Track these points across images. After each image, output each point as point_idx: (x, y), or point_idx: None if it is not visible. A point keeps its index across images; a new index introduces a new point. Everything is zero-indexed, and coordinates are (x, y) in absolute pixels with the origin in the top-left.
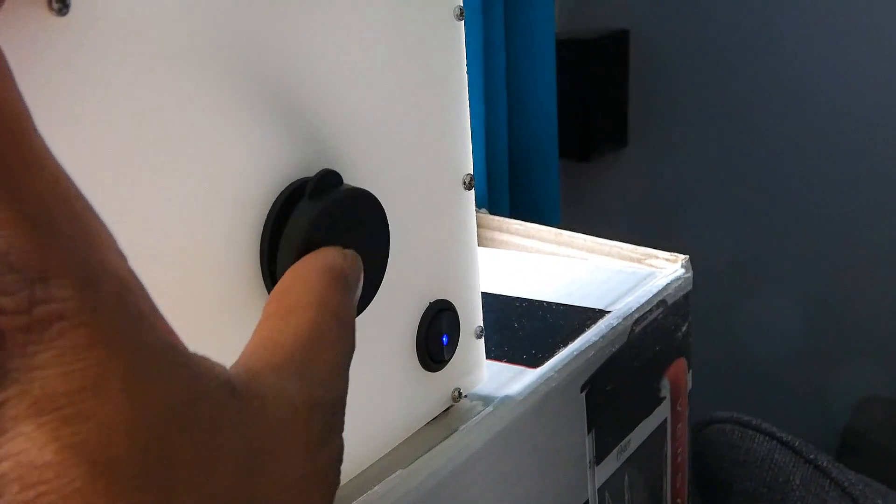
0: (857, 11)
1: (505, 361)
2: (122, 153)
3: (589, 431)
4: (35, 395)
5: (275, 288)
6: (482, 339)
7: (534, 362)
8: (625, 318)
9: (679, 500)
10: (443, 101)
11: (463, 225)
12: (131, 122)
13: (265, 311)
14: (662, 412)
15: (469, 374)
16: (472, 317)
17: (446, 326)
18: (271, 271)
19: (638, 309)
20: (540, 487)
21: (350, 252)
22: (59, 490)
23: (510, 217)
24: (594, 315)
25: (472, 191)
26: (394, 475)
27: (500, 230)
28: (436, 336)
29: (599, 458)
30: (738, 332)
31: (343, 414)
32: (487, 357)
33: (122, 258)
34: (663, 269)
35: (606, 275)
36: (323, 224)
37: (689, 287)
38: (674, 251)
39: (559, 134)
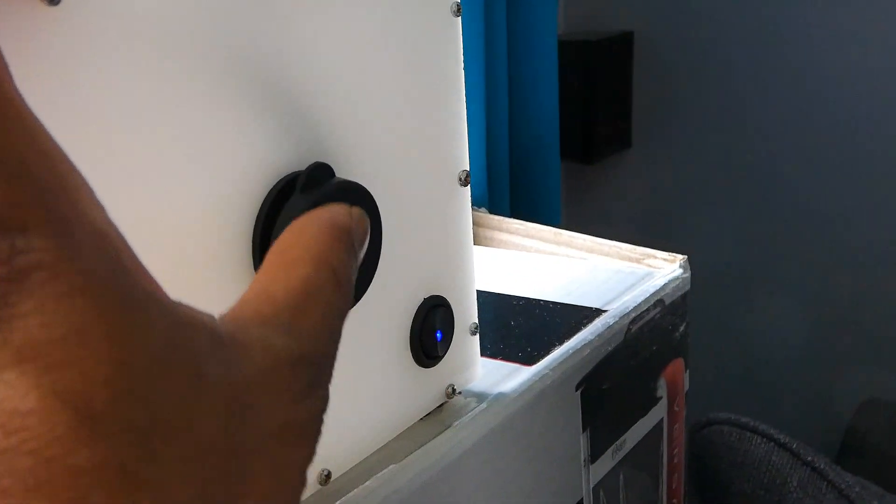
0: (861, 14)
1: (500, 359)
2: (112, 145)
3: (584, 430)
4: (17, 343)
5: (276, 241)
6: (477, 336)
7: (529, 360)
8: (621, 318)
9: (675, 501)
10: (439, 97)
11: (458, 221)
12: (122, 115)
13: (264, 263)
14: (659, 412)
15: (463, 371)
16: (467, 313)
17: (440, 322)
18: None
19: (635, 308)
20: (534, 485)
21: (357, 210)
22: (41, 437)
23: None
24: (591, 314)
25: (468, 187)
26: (387, 470)
27: (500, 229)
28: (430, 332)
29: (594, 456)
30: (740, 334)
31: (331, 369)
32: (483, 354)
33: (102, 210)
34: (661, 269)
35: (604, 274)
36: None
37: (687, 287)
38: (677, 253)
39: (562, 135)
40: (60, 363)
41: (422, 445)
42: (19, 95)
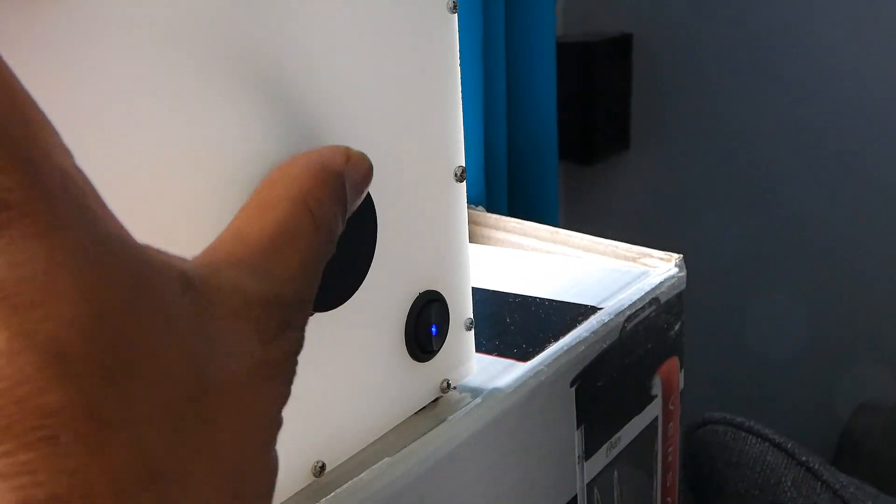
0: (861, 18)
1: (495, 355)
2: (111, 137)
3: (578, 426)
4: None
5: (261, 182)
6: (472, 332)
7: (524, 356)
8: (617, 315)
9: (669, 499)
10: (435, 93)
11: (454, 217)
12: (122, 107)
13: (245, 203)
14: (653, 410)
15: (458, 366)
16: (462, 308)
17: (435, 317)
18: None
19: (630, 306)
20: (527, 480)
21: (357, 153)
22: (10, 377)
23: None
24: (586, 311)
25: (464, 183)
26: (380, 463)
27: (497, 228)
28: (425, 326)
29: (588, 453)
30: (736, 335)
31: (306, 312)
32: (478, 350)
33: (69, 155)
34: (657, 268)
35: (600, 273)
36: None
37: (683, 286)
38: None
39: (561, 137)
40: (29, 304)
41: (416, 439)
42: None
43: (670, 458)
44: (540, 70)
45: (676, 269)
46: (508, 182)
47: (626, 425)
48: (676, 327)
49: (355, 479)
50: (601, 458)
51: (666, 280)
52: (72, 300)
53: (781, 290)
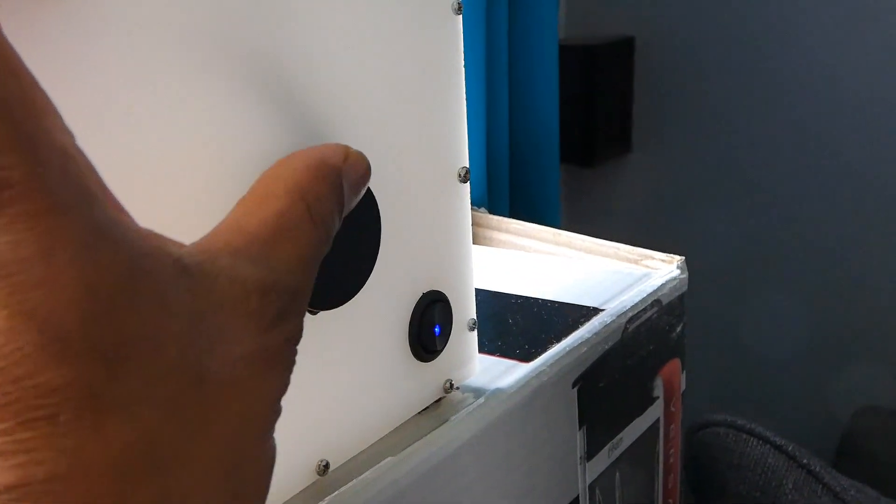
0: (863, 18)
1: (498, 355)
2: (119, 137)
3: (580, 427)
4: None
5: (261, 174)
6: (475, 332)
7: (526, 357)
8: (618, 317)
9: (671, 501)
10: (440, 94)
11: (457, 217)
12: (128, 106)
13: (244, 195)
14: (655, 412)
15: (461, 367)
16: (466, 309)
17: (439, 317)
18: None
19: (632, 308)
20: (530, 480)
21: (356, 152)
22: (9, 356)
23: None
24: (588, 313)
25: (468, 184)
26: (383, 462)
27: (500, 229)
28: (428, 326)
29: (590, 454)
30: (738, 337)
31: (304, 302)
32: (480, 351)
33: (70, 135)
34: (659, 269)
35: (602, 274)
36: None
37: (685, 288)
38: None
39: (563, 140)
40: (29, 283)
41: (419, 439)
42: None
43: (672, 460)
44: (542, 72)
45: (678, 271)
46: (510, 183)
47: (628, 426)
48: (678, 329)
49: (359, 478)
50: (603, 459)
51: (668, 282)
52: (71, 281)
53: (782, 292)
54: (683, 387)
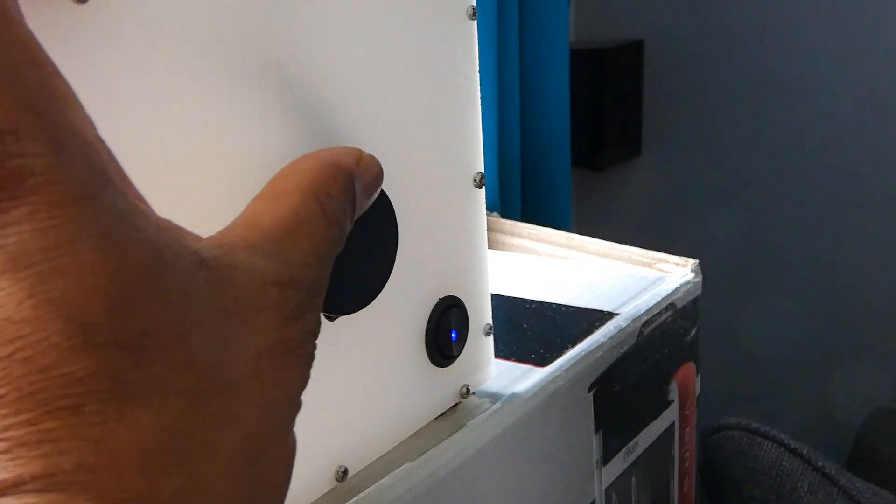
0: (874, 22)
1: (513, 360)
2: (137, 139)
3: (596, 432)
4: (10, 250)
5: (274, 174)
6: (491, 337)
7: (542, 361)
8: (633, 321)
9: None
10: (455, 100)
11: (473, 222)
12: (147, 111)
13: (258, 193)
14: (670, 415)
15: (477, 372)
16: (482, 314)
17: (455, 322)
18: None
19: (647, 312)
20: (546, 485)
21: (368, 156)
22: (35, 345)
23: None
24: (603, 317)
25: (483, 189)
26: (401, 468)
27: (512, 234)
28: (445, 332)
29: (606, 458)
30: (750, 340)
31: (321, 298)
32: (496, 356)
33: (91, 124)
34: (673, 273)
35: (616, 278)
36: None
37: (699, 291)
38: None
39: (573, 143)
40: (54, 272)
41: (436, 444)
42: (15, 6)
43: (687, 464)
44: (553, 77)
45: (692, 275)
46: (522, 188)
47: (644, 430)
48: (692, 332)
49: (377, 484)
50: (619, 464)
51: (682, 285)
52: (97, 270)
53: (793, 295)
54: (698, 390)
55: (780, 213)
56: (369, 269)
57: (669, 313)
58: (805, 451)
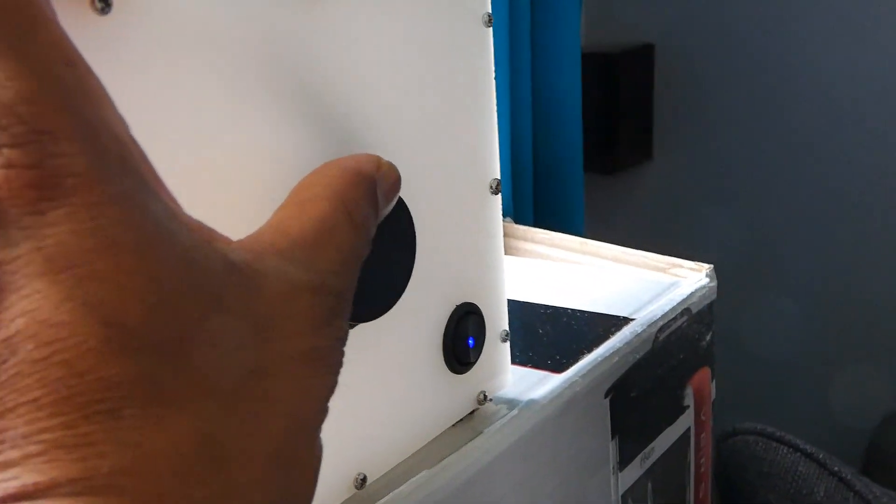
0: (888, 26)
1: (530, 366)
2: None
3: (612, 437)
4: (48, 252)
5: (299, 181)
6: (507, 343)
7: (558, 367)
8: (649, 326)
9: None
10: (471, 107)
11: (489, 229)
12: (170, 120)
13: (284, 200)
14: (686, 421)
15: (494, 378)
16: (498, 320)
17: (472, 329)
18: None
19: (662, 317)
20: (562, 491)
21: (387, 163)
22: (73, 349)
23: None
24: (619, 322)
25: (499, 195)
26: (419, 475)
27: (525, 239)
28: (462, 338)
29: (622, 464)
30: (763, 343)
31: (349, 305)
32: (512, 362)
33: (125, 124)
34: (687, 278)
35: (631, 283)
36: None
37: (714, 296)
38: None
39: (584, 147)
40: (92, 275)
41: (454, 451)
42: (48, 5)
43: (703, 469)
44: (565, 82)
45: (707, 280)
46: (534, 193)
47: (660, 436)
48: (708, 337)
49: (395, 491)
50: (635, 469)
51: (697, 290)
52: (134, 274)
53: (807, 300)
54: (713, 395)
55: (791, 216)
56: (388, 277)
57: (685, 318)
58: (821, 456)
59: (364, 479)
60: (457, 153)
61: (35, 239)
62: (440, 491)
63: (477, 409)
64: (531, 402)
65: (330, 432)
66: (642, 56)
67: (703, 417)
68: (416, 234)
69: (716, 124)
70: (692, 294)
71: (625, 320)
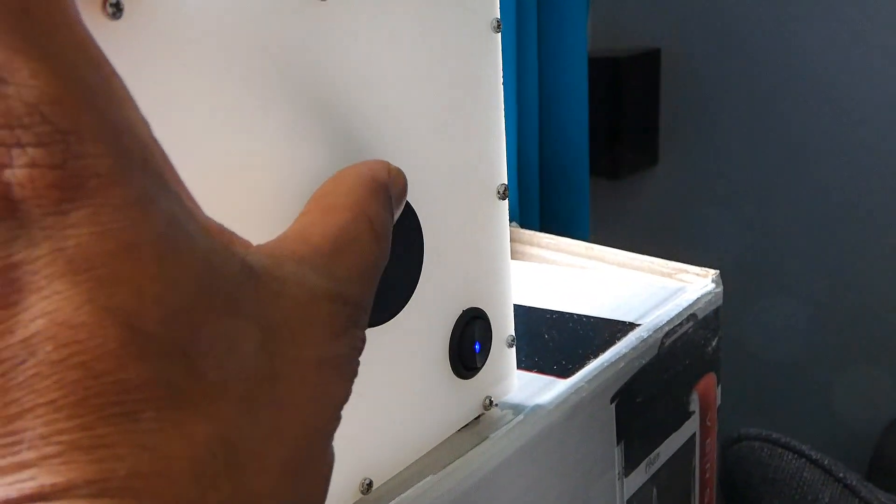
0: (893, 30)
1: (535, 372)
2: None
3: (618, 443)
4: (69, 254)
5: (316, 190)
6: (513, 349)
7: (564, 373)
8: (655, 331)
9: None
10: (479, 112)
11: (496, 234)
12: (181, 125)
13: (304, 208)
14: (691, 426)
15: (500, 383)
16: (504, 325)
17: (479, 334)
18: None
19: (668, 322)
20: (568, 496)
21: (395, 168)
22: (91, 351)
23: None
24: (624, 328)
25: (506, 201)
26: (425, 480)
27: (531, 244)
28: (468, 344)
29: (628, 470)
30: (768, 348)
31: (367, 315)
32: (518, 367)
33: (147, 126)
34: (693, 283)
35: (637, 289)
36: None
37: (720, 302)
38: (705, 268)
39: (590, 151)
40: (113, 278)
41: (460, 456)
42: (73, 5)
43: (708, 475)
44: (571, 86)
45: (713, 285)
46: (540, 198)
47: (665, 441)
48: (713, 343)
49: (401, 496)
50: (640, 475)
51: (703, 296)
52: (154, 278)
53: (812, 305)
54: (719, 401)
55: (797, 222)
56: (395, 282)
57: (691, 324)
58: (826, 462)
59: (370, 484)
60: (464, 158)
61: (56, 240)
62: (446, 496)
63: (483, 414)
64: (537, 408)
65: (337, 437)
66: (648, 61)
67: (708, 423)
68: (424, 239)
69: (721, 129)
70: (698, 300)
71: (630, 326)
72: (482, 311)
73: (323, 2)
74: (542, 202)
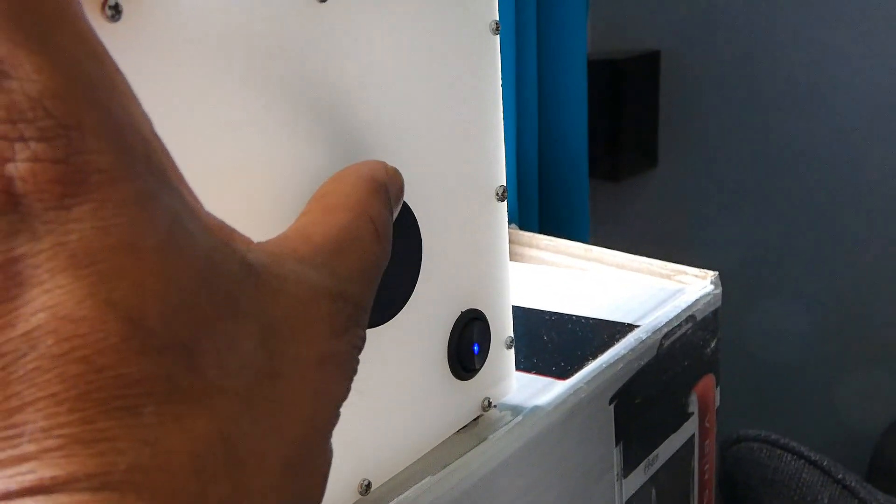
0: (891, 30)
1: (534, 373)
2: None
3: (617, 444)
4: (72, 248)
5: (317, 190)
6: (512, 350)
7: (563, 374)
8: (654, 333)
9: None
10: (477, 113)
11: (495, 236)
12: (181, 126)
13: (305, 208)
14: (690, 428)
15: (499, 384)
16: (503, 327)
17: (477, 335)
18: None
19: (667, 324)
20: (567, 498)
21: (392, 168)
22: (93, 345)
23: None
24: (623, 329)
25: (505, 202)
26: (424, 481)
27: (530, 245)
28: (467, 345)
29: (627, 471)
30: (768, 350)
31: (367, 314)
32: (517, 368)
33: (149, 122)
34: (692, 285)
35: (635, 290)
36: None
37: (719, 303)
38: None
39: (589, 154)
40: (115, 273)
41: (458, 458)
42: (77, 2)
43: (707, 476)
44: (571, 88)
45: (712, 287)
46: (539, 199)
47: (664, 443)
48: (712, 344)
49: (399, 497)
50: (639, 476)
51: (702, 297)
52: (155, 274)
53: (812, 306)
54: (718, 402)
55: (797, 223)
56: (394, 283)
57: (689, 325)
58: (825, 463)
59: (368, 485)
60: (463, 160)
61: (58, 234)
62: (444, 497)
63: (481, 415)
64: (535, 409)
65: (334, 438)
66: (648, 63)
67: (707, 424)
68: (422, 241)
69: (721, 131)
70: (697, 301)
71: (629, 327)
72: (481, 312)
73: (322, 3)
74: (542, 204)
